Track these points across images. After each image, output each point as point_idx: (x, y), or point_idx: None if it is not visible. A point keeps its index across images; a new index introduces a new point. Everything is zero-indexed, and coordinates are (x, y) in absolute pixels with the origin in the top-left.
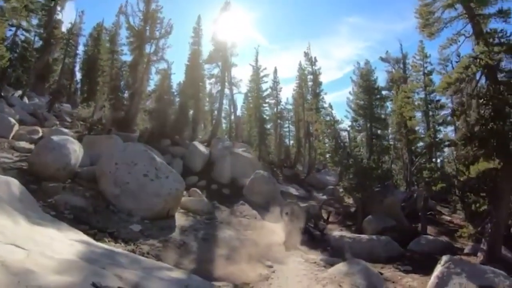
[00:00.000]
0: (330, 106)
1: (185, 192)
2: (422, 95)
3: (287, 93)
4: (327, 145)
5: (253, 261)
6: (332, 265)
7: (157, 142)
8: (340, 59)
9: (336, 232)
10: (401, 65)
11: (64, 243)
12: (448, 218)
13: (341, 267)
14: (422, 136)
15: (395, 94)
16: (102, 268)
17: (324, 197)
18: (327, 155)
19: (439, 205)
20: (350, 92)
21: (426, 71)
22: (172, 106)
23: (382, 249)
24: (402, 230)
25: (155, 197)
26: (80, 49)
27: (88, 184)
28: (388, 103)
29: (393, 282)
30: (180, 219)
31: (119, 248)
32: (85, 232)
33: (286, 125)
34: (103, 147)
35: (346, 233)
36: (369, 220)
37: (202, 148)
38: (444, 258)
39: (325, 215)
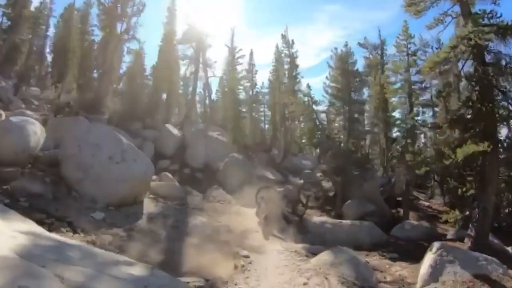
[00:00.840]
0: (308, 87)
1: (155, 177)
2: (405, 76)
3: (262, 78)
4: (303, 125)
5: (227, 250)
6: (315, 254)
7: (128, 125)
8: (317, 46)
9: (316, 217)
10: (379, 51)
11: (3, 236)
12: (426, 203)
13: (325, 256)
14: (404, 118)
15: (373, 79)
16: (41, 267)
17: (301, 181)
18: (305, 137)
19: (416, 191)
20: (326, 77)
21: (410, 52)
22: (144, 87)
23: (366, 235)
24: (383, 215)
25: (121, 181)
26: (51, 31)
27: (50, 169)
28: (365, 90)
29: (382, 271)
30: (149, 205)
31: (75, 240)
32: (40, 221)
33: (262, 109)
34: (69, 130)
35: (327, 219)
36: (349, 205)
37: (174, 131)
38: (436, 245)
39: (303, 200)
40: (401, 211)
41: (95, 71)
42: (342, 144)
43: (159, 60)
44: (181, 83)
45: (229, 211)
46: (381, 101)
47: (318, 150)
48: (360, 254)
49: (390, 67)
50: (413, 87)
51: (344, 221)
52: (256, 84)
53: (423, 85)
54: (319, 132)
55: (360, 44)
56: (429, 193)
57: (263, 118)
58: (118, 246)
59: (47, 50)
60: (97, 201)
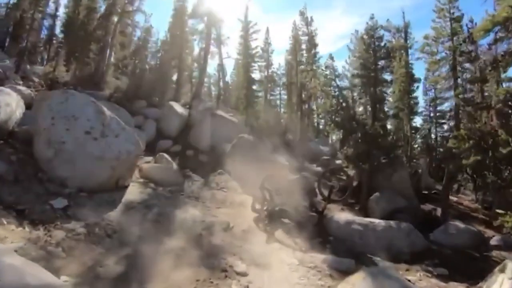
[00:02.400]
0: (331, 57)
1: (151, 158)
2: (448, 45)
3: (278, 60)
4: (323, 103)
5: (217, 262)
6: (343, 272)
7: (130, 103)
8: (333, 34)
9: (338, 214)
10: (402, 35)
11: None
12: (455, 199)
13: (362, 283)
14: (446, 97)
15: (398, 61)
16: None
17: (319, 168)
18: (325, 117)
19: (438, 184)
20: (346, 61)
21: (453, 17)
22: (151, 64)
23: (404, 242)
24: (414, 213)
25: (98, 161)
26: (61, 10)
27: (23, 146)
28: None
29: None
30: (134, 192)
31: (14, 236)
32: None
33: (277, 92)
34: (45, 101)
35: (354, 217)
36: (377, 199)
37: (179, 109)
38: (510, 265)
39: (324, 192)
40: (434, 208)
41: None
42: (367, 126)
43: (169, 37)
44: (195, 64)
45: (232, 201)
46: (407, 84)
47: (340, 134)
48: (399, 269)
49: (431, 34)
50: (458, 58)
51: (376, 221)
52: (272, 64)
53: (472, 55)
54: (342, 112)
55: (382, 27)
56: (455, 187)
57: (278, 101)
58: (67, 248)
59: (57, 30)
60: (68, 185)
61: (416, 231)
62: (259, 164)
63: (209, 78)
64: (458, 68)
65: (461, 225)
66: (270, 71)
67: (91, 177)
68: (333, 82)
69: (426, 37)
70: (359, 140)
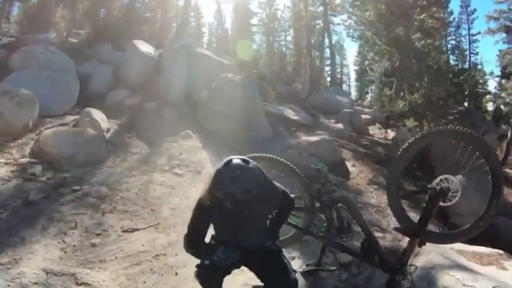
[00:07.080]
0: None
1: (75, 117)
2: None
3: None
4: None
5: None
6: None
7: (91, 47)
8: None
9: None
10: None
11: None
12: None
13: None
14: None
15: None
16: None
17: (340, 125)
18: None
19: None
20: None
21: None
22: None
23: None
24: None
25: None
26: None
27: None
28: None
29: None
30: None
31: None
32: None
33: (282, 38)
34: None
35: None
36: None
37: (147, 49)
38: None
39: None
40: None
41: None
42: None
43: None
44: (193, 14)
45: (179, 204)
46: None
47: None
48: None
49: None
50: None
51: None
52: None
53: None
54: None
55: None
56: None
57: (284, 49)
58: None
59: None
60: None
61: None
62: (251, 119)
63: (209, 28)
64: None
65: None
66: (273, 8)
67: None
68: None
69: None
70: (431, 78)
